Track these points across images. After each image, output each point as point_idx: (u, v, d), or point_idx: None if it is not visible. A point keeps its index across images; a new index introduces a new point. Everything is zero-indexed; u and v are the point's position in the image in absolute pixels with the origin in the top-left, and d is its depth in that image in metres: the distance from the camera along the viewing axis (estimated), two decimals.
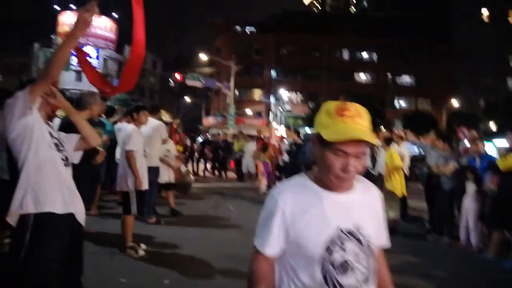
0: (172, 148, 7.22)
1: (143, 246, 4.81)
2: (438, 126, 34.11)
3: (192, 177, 7.97)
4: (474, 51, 41.26)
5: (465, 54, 41.18)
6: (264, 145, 11.65)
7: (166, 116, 7.84)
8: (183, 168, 7.89)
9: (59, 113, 4.74)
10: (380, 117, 36.99)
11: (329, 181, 1.34)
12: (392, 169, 6.81)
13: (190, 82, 25.58)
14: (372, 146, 7.88)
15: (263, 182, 11.03)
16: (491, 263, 5.31)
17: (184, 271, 4.27)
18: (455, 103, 39.27)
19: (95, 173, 5.66)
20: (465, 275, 4.81)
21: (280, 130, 27.60)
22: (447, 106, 39.65)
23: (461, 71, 41.68)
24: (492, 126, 33.76)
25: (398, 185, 6.84)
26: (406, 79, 45.14)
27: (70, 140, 2.55)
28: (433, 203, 6.98)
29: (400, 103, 44.79)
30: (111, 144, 6.66)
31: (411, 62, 42.28)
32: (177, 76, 26.52)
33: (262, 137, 12.31)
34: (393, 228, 6.56)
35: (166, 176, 6.93)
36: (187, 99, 47.74)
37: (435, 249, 5.99)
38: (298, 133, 10.81)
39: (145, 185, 4.86)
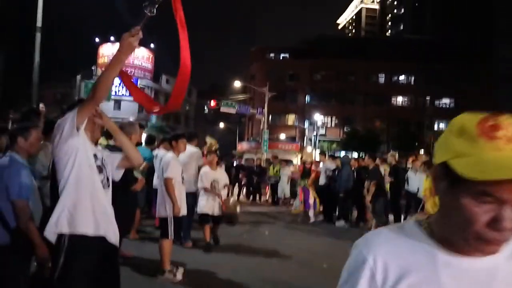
0: (222, 177, 6.68)
1: (181, 269, 4.92)
2: None
3: (238, 208, 7.10)
4: None
5: (505, 76, 39.86)
6: (305, 170, 11.21)
7: (212, 143, 7.99)
8: (232, 200, 7.19)
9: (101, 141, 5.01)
10: (418, 140, 36.18)
11: (463, 241, 0.83)
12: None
13: (224, 109, 26.12)
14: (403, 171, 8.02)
15: (299, 211, 10.81)
16: None
17: None
18: None
19: (133, 199, 5.88)
20: None
21: (314, 155, 27.48)
22: None
23: (502, 93, 40.25)
24: None
25: None
26: (445, 101, 44.05)
27: (114, 159, 2.66)
28: None
29: (440, 125, 43.63)
30: (150, 171, 6.94)
31: (449, 84, 41.31)
32: (212, 103, 27.19)
33: (304, 162, 11.85)
34: None
35: (211, 207, 6.37)
36: (221, 125, 48.67)
37: None
38: (334, 157, 10.87)
39: (183, 211, 5.02)
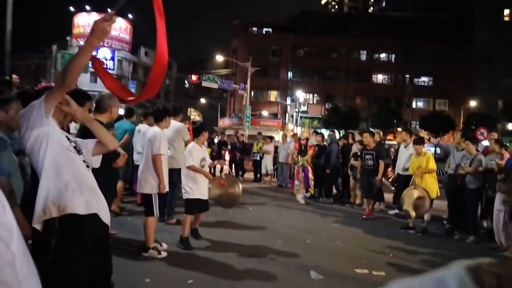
0: (208, 155, 5.60)
1: (164, 246, 4.86)
2: (455, 127, 33.64)
3: (240, 187, 5.87)
4: (493, 52, 40.51)
5: (484, 55, 40.47)
6: (301, 148, 10.31)
7: (196, 116, 7.61)
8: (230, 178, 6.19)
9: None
10: (397, 118, 36.68)
11: None
12: (428, 171, 6.90)
13: (206, 84, 25.71)
14: (389, 146, 8.03)
15: (301, 191, 9.74)
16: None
17: (207, 271, 4.29)
18: (472, 104, 38.64)
19: (115, 174, 5.69)
20: None
21: (296, 131, 27.51)
22: (464, 107, 39.04)
23: (480, 72, 40.96)
24: (510, 126, 33.06)
25: (435, 186, 6.91)
26: (424, 79, 44.60)
27: (87, 145, 2.53)
28: (455, 203, 7.00)
29: (418, 104, 44.28)
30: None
31: (429, 63, 41.72)
32: (193, 77, 26.71)
33: (301, 139, 10.50)
34: (425, 229, 6.59)
35: (202, 191, 5.30)
36: (203, 100, 48.11)
37: (461, 247, 5.98)
38: (319, 134, 10.83)
39: (167, 188, 4.92)
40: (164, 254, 4.68)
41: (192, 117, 9.85)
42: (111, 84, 3.32)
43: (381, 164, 8.01)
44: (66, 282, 2.18)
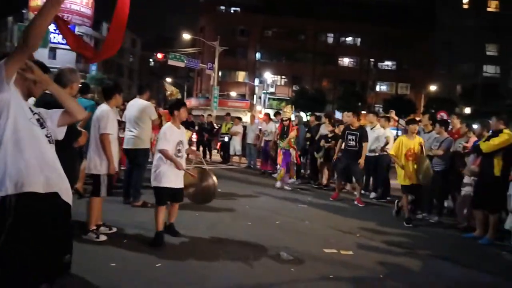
0: (185, 139, 4.81)
1: (113, 229, 4.67)
2: (416, 110, 34.75)
3: (214, 178, 5.10)
4: (452, 38, 41.89)
5: (444, 41, 41.78)
6: (284, 129, 9.15)
7: (174, 92, 7.35)
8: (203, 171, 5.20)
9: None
10: (362, 101, 37.41)
11: None
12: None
13: (172, 62, 25.08)
14: (360, 127, 7.99)
15: (281, 176, 8.98)
16: (472, 240, 5.65)
17: (175, 254, 4.20)
18: (433, 88, 40.04)
19: (77, 154, 5.43)
20: (450, 252, 4.93)
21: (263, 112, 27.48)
22: (425, 91, 40.40)
23: (440, 58, 42.32)
24: (467, 110, 34.59)
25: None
26: (387, 63, 45.56)
27: (52, 116, 2.38)
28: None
29: (381, 87, 45.28)
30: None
31: (392, 48, 42.60)
32: (159, 55, 25.97)
33: (283, 119, 9.31)
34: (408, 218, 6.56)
35: (174, 179, 4.57)
36: (168, 79, 46.98)
37: (426, 228, 6.19)
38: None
39: (117, 169, 4.74)
40: (103, 238, 4.41)
41: (167, 92, 9.29)
42: (74, 43, 3.14)
43: (365, 146, 7.77)
44: (21, 262, 2.06)
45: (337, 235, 5.47)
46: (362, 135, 7.80)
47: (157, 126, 11.84)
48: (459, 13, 43.67)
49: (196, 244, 4.63)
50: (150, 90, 6.22)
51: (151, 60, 41.85)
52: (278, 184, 9.02)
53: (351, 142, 7.88)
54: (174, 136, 4.49)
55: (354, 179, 8.34)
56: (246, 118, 25.14)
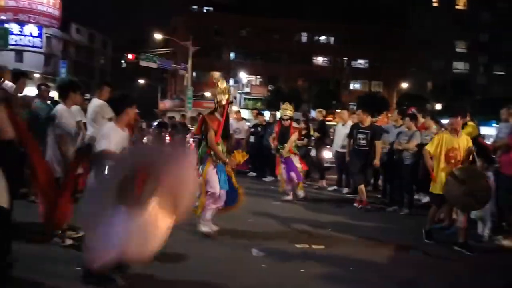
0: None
1: (70, 233, 4.44)
2: (389, 107, 35.50)
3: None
4: (424, 36, 43.01)
5: (415, 38, 42.85)
6: (282, 131, 7.50)
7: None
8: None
9: None
10: (336, 99, 37.89)
11: None
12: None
13: (143, 63, 24.72)
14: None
15: (285, 188, 7.53)
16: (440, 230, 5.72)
17: None
18: (405, 85, 41.02)
19: (22, 157, 5.05)
20: (419, 243, 5.04)
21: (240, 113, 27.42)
22: (397, 88, 41.32)
23: (411, 56, 43.37)
24: (438, 106, 35.57)
25: None
26: (360, 62, 46.29)
27: None
28: (391, 178, 7.36)
29: (355, 85, 45.96)
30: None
31: (365, 46, 43.30)
32: (130, 56, 25.54)
33: (283, 118, 7.61)
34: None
35: None
36: (141, 81, 46.27)
37: (395, 220, 6.32)
38: (262, 115, 10.83)
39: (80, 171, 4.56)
40: (69, 241, 4.27)
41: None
42: None
43: (378, 145, 6.98)
44: None
45: (309, 231, 5.50)
46: (374, 133, 7.05)
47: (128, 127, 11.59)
48: (429, 10, 44.86)
49: (168, 243, 4.55)
50: (110, 87, 5.80)
51: (123, 61, 40.99)
52: (301, 193, 7.57)
53: (361, 141, 7.08)
54: (117, 140, 3.63)
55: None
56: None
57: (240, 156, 5.06)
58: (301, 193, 7.57)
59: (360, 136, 7.11)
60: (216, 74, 5.28)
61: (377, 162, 6.91)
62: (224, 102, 4.94)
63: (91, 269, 3.14)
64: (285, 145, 7.31)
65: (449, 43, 44.92)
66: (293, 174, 7.30)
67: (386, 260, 4.51)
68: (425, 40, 42.96)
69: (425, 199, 7.64)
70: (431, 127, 7.26)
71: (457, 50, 46.69)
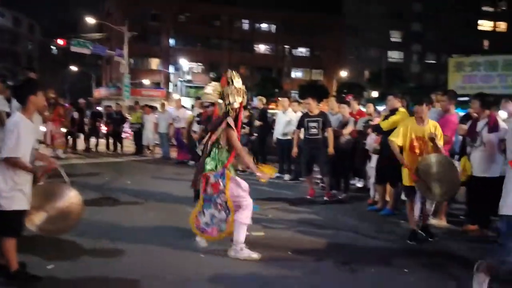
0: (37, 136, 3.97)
1: None
2: (328, 95, 36.65)
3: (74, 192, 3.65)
4: (360, 25, 44.67)
5: (352, 27, 44.38)
6: (208, 120, 6.32)
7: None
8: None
9: None
10: (278, 87, 38.35)
11: None
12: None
13: (75, 49, 23.23)
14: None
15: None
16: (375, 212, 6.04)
17: (72, 254, 3.92)
18: (343, 73, 42.47)
19: None
20: (355, 225, 5.23)
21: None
22: (337, 77, 42.70)
23: (349, 44, 44.93)
24: (375, 94, 37.30)
25: None
26: (301, 50, 47.06)
27: None
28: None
29: (296, 74, 46.75)
30: None
31: (306, 34, 44.05)
32: (60, 41, 23.86)
33: (204, 104, 7.10)
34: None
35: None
36: (74, 68, 43.56)
37: (334, 205, 6.49)
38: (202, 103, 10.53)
39: None
40: None
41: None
42: None
43: (330, 132, 6.79)
44: None
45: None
46: (325, 121, 6.86)
47: (56, 118, 10.80)
48: (365, 1, 46.48)
49: (99, 237, 4.33)
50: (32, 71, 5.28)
51: (53, 47, 38.23)
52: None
53: (312, 130, 6.89)
54: (29, 136, 3.20)
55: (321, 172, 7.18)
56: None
57: (271, 170, 4.31)
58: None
59: (311, 124, 6.90)
60: (231, 71, 4.35)
61: (330, 149, 6.71)
62: (236, 106, 4.20)
63: None
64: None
65: (384, 32, 47.05)
66: None
67: (323, 243, 4.61)
68: (361, 29, 44.67)
69: (360, 183, 7.97)
70: (372, 112, 7.50)
71: (392, 39, 49.02)
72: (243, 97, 4.25)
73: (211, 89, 5.39)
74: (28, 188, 3.23)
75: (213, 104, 5.53)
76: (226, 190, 3.97)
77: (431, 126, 4.81)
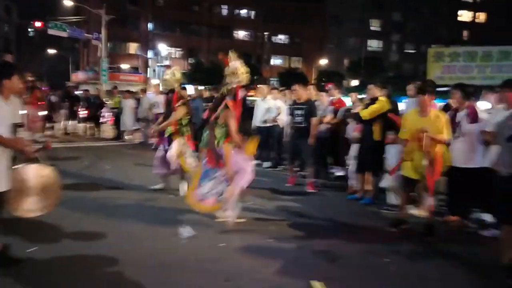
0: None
1: None
2: (308, 83, 36.86)
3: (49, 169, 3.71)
4: (341, 13, 44.77)
5: (333, 16, 44.45)
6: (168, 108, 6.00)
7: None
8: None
9: None
10: (258, 74, 38.21)
11: None
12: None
13: (52, 32, 22.58)
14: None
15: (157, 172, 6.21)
16: (355, 201, 6.13)
17: (52, 238, 3.93)
18: (323, 61, 42.62)
19: None
20: (334, 213, 5.36)
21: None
22: (316, 65, 42.82)
23: (329, 32, 45.04)
24: (355, 82, 37.67)
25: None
26: (281, 37, 46.89)
27: None
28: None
29: (276, 61, 46.65)
30: None
31: (286, 22, 43.87)
32: (37, 23, 23.16)
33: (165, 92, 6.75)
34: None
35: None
36: (51, 51, 42.29)
37: (314, 194, 6.53)
38: (184, 89, 10.40)
39: None
40: None
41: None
42: None
43: (313, 122, 6.62)
44: None
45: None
46: (310, 110, 6.62)
47: (34, 101, 10.52)
48: None
49: (78, 224, 4.31)
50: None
51: (30, 30, 36.80)
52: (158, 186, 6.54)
53: (298, 118, 6.69)
54: (4, 119, 3.14)
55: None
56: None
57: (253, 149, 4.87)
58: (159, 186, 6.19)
59: (297, 112, 6.72)
60: (231, 53, 4.62)
61: (311, 140, 6.56)
62: (232, 86, 4.44)
63: None
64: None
65: (364, 21, 47.28)
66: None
67: (303, 231, 4.69)
68: (341, 18, 44.79)
69: (339, 172, 8.06)
70: (356, 100, 7.59)
71: (372, 28, 49.32)
72: (240, 78, 4.57)
73: (169, 76, 5.85)
74: (3, 170, 3.16)
75: (172, 90, 5.91)
76: (226, 163, 4.46)
77: (433, 116, 4.62)
